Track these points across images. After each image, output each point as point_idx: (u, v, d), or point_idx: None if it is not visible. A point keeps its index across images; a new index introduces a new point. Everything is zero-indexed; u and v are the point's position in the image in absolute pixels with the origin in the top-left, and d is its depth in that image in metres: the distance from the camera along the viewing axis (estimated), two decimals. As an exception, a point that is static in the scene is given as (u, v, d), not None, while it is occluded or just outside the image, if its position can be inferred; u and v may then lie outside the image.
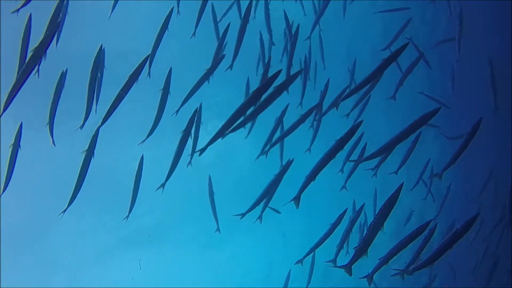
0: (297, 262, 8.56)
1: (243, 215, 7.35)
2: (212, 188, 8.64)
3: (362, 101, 9.25)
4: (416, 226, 6.05)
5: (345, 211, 7.92)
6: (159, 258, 15.31)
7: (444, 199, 11.08)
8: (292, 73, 6.67)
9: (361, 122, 5.86)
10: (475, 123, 6.44)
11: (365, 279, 6.30)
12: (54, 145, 6.32)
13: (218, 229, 8.88)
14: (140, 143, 6.88)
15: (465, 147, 6.69)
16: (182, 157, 6.54)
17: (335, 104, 7.40)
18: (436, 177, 7.42)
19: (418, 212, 13.11)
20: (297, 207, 6.17)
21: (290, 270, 10.87)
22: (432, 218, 6.23)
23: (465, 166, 13.39)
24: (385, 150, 6.28)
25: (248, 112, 5.74)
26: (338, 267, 6.03)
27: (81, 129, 6.17)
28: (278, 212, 9.53)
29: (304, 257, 8.39)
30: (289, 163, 6.77)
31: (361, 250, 5.60)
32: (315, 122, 8.82)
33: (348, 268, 5.80)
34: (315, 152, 7.97)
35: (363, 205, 8.19)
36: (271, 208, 9.25)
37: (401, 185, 5.40)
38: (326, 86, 8.34)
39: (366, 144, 8.25)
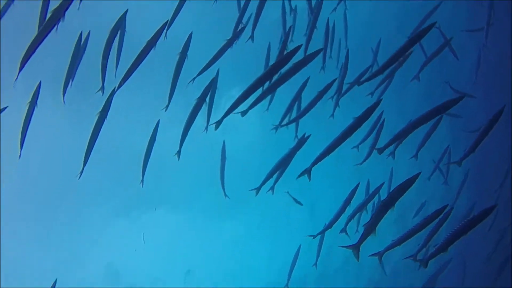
0: (310, 235, 8.71)
1: (258, 189, 7.29)
2: (225, 153, 8.50)
3: (385, 81, 9.08)
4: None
5: (357, 185, 7.86)
6: (169, 223, 15.35)
7: (461, 186, 10.87)
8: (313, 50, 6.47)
9: (380, 100, 5.70)
10: (497, 111, 6.22)
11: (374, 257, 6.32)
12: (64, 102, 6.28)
13: (225, 195, 8.75)
14: (163, 109, 6.75)
15: (485, 135, 6.46)
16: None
17: (358, 82, 7.21)
18: (455, 164, 7.30)
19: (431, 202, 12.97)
20: (309, 180, 6.08)
21: (300, 246, 10.94)
22: (449, 204, 6.00)
23: (483, 156, 13.23)
24: (405, 133, 6.12)
25: (265, 86, 5.67)
26: (346, 247, 5.90)
27: (102, 94, 6.13)
28: (300, 204, 9.58)
29: (320, 233, 8.42)
30: (306, 138, 6.63)
31: (370, 228, 5.59)
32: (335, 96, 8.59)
33: (356, 248, 5.72)
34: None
35: (382, 184, 8.10)
36: (293, 198, 9.29)
37: (419, 174, 5.36)
38: (346, 58, 8.07)
39: (384, 120, 8.14)
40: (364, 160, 8.87)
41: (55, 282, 7.45)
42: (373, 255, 6.46)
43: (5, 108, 5.60)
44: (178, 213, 15.54)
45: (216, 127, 5.95)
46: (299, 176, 6.14)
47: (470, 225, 5.44)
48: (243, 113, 5.91)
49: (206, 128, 6.66)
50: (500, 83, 12.37)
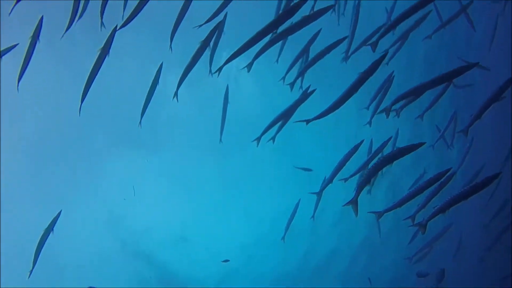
0: (313, 193, 8.83)
1: (258, 139, 7.12)
2: (228, 97, 8.24)
3: (399, 42, 8.77)
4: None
5: (362, 142, 7.65)
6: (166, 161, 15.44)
7: (466, 152, 10.71)
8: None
9: (385, 54, 5.43)
10: (506, 80, 5.97)
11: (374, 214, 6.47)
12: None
13: (220, 140, 8.60)
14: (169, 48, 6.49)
15: (491, 103, 6.20)
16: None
17: (371, 43, 6.88)
18: (461, 132, 7.10)
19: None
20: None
21: (299, 200, 10.92)
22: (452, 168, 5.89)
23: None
24: (414, 93, 5.93)
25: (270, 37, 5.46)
26: (345, 204, 5.83)
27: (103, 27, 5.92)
28: (310, 170, 9.47)
29: (324, 187, 8.33)
30: (310, 92, 6.41)
31: (365, 181, 5.62)
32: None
33: (354, 203, 5.66)
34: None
35: (389, 138, 7.93)
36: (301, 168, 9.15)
37: (423, 143, 5.36)
38: (357, 10, 7.67)
39: (393, 73, 7.93)
40: (371, 119, 8.69)
41: (59, 213, 7.32)
42: (372, 212, 6.58)
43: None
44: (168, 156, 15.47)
45: (218, 74, 5.83)
46: (301, 121, 6.03)
47: (472, 190, 5.35)
48: (249, 66, 5.84)
49: (210, 71, 6.41)
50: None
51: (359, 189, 5.63)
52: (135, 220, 14.78)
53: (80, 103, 5.89)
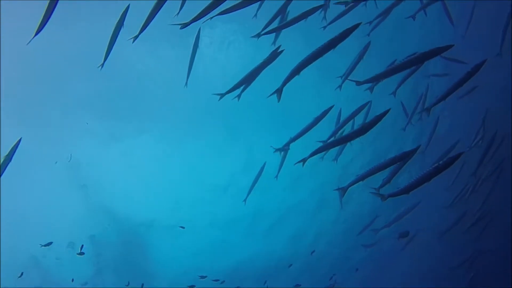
0: (276, 150, 8.97)
1: (222, 95, 6.88)
2: (199, 41, 7.81)
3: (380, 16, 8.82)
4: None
5: (331, 107, 7.69)
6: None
7: (432, 132, 10.92)
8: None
9: (358, 24, 5.42)
10: (478, 63, 6.17)
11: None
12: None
13: (186, 84, 8.37)
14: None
15: (459, 86, 6.44)
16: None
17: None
18: (425, 111, 7.30)
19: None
20: (279, 101, 6.02)
21: (265, 163, 11.04)
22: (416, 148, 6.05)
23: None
24: (391, 73, 5.99)
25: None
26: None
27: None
28: (288, 148, 9.58)
29: (287, 144, 8.55)
30: (279, 52, 6.20)
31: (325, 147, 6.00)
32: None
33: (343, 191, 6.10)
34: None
35: (361, 106, 8.14)
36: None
37: (388, 110, 5.54)
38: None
39: (369, 43, 7.96)
40: (341, 84, 8.47)
41: (19, 140, 6.62)
42: (337, 189, 6.71)
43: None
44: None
45: (183, 26, 5.73)
46: (269, 96, 6.08)
47: (434, 172, 5.52)
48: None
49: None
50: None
51: (314, 152, 5.89)
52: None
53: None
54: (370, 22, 8.93)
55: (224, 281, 13.88)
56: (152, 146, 15.31)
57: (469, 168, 13.21)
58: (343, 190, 6.52)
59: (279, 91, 6.00)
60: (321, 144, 6.47)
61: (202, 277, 13.61)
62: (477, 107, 13.93)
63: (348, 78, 6.63)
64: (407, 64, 5.77)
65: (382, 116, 5.48)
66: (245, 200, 11.96)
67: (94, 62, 6.94)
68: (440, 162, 5.46)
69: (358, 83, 6.08)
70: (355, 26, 5.32)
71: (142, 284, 14.07)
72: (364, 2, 7.12)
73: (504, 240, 22.15)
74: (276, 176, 10.45)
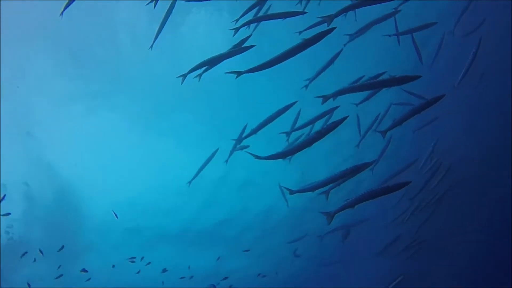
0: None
1: (184, 75, 6.83)
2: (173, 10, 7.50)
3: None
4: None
5: (293, 103, 7.74)
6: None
7: (384, 149, 11.19)
8: None
9: (333, 28, 5.49)
10: (437, 97, 6.28)
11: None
12: None
13: (151, 46, 8.19)
14: None
15: (414, 114, 6.61)
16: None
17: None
18: (380, 133, 7.50)
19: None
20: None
21: (217, 149, 11.04)
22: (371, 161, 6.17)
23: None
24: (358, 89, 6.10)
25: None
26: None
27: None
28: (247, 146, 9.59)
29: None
30: (246, 47, 6.17)
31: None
32: None
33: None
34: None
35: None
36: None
37: (346, 117, 5.64)
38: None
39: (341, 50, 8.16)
40: (308, 84, 8.81)
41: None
42: (286, 188, 6.76)
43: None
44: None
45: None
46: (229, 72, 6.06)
47: (381, 192, 5.76)
48: None
49: None
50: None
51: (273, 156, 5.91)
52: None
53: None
54: (350, 35, 8.97)
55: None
56: (110, 117, 14.82)
57: (413, 191, 13.72)
58: (292, 192, 6.54)
59: (240, 73, 5.98)
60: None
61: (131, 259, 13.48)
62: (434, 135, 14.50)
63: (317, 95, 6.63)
64: (374, 85, 5.90)
65: (339, 122, 5.56)
66: (189, 183, 11.94)
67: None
68: (390, 185, 5.67)
69: (325, 98, 6.11)
70: (330, 30, 5.38)
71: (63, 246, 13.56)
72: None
73: (429, 266, 23.41)
74: (226, 161, 10.41)
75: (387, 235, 19.48)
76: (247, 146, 9.33)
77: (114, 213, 13.52)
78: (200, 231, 17.98)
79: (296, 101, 7.60)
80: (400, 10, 8.44)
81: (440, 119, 13.17)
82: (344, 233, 13.25)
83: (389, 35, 9.33)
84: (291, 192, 6.52)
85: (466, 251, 23.31)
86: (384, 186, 5.78)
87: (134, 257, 14.19)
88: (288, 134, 9.23)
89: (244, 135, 8.70)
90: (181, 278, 16.33)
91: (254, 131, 8.14)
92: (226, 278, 16.95)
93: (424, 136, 14.40)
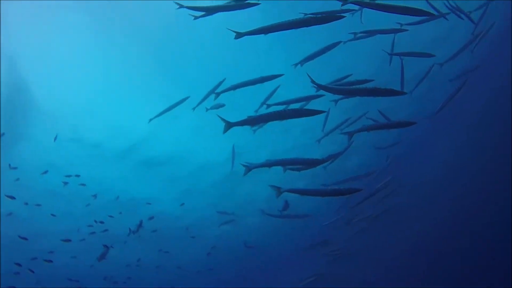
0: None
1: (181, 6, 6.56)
2: None
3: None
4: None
5: (281, 75, 7.62)
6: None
7: (346, 148, 11.34)
8: None
9: (344, 15, 5.39)
10: (408, 122, 6.63)
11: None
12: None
13: None
14: None
15: (382, 128, 7.05)
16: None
17: None
18: (346, 134, 7.54)
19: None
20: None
21: (188, 97, 10.84)
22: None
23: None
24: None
25: None
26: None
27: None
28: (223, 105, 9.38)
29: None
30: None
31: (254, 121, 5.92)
32: None
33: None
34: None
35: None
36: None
37: (322, 111, 5.69)
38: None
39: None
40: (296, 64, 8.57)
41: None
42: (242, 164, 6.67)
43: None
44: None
45: None
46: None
47: (332, 193, 5.99)
48: None
49: None
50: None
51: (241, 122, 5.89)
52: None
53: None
54: (355, 34, 8.83)
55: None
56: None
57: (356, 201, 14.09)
58: (248, 168, 6.46)
59: (241, 35, 5.74)
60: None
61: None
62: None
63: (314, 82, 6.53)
64: (358, 92, 5.89)
65: (313, 112, 5.59)
66: (150, 120, 11.74)
67: None
68: (342, 188, 5.76)
69: (318, 86, 6.04)
70: (341, 16, 5.30)
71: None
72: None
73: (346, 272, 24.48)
74: (194, 108, 10.22)
75: (319, 235, 20.22)
76: (223, 105, 9.20)
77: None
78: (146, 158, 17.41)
79: (283, 74, 7.43)
80: (407, 30, 8.39)
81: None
82: (284, 204, 13.41)
83: (386, 51, 9.36)
84: (247, 167, 6.46)
85: (386, 267, 24.66)
86: (335, 188, 6.02)
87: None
88: (263, 105, 9.11)
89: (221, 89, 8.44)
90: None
91: (232, 87, 7.96)
92: (152, 217, 16.76)
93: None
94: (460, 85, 10.69)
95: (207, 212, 18.63)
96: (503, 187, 17.89)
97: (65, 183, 14.03)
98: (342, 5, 5.56)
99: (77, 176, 14.17)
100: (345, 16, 5.30)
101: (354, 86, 6.16)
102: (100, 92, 13.86)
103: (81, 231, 16.65)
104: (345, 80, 7.52)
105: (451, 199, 21.88)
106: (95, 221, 14.95)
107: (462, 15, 9.70)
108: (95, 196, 15.19)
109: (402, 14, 5.73)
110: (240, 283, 24.64)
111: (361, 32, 8.39)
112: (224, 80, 8.59)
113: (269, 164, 6.28)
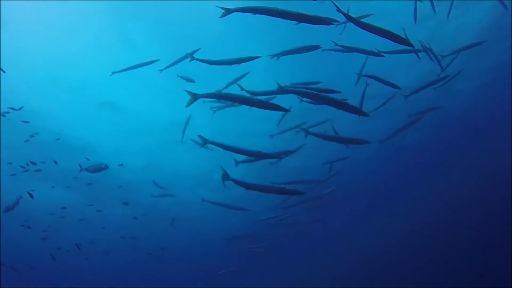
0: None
1: None
2: None
3: None
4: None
5: (258, 57, 7.43)
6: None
7: (299, 147, 11.50)
8: None
9: (334, 21, 5.49)
10: (361, 140, 7.27)
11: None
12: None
13: None
14: None
15: (342, 142, 7.60)
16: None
17: None
18: (304, 131, 7.90)
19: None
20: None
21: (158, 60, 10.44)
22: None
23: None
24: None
25: None
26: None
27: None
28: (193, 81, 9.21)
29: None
30: None
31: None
32: None
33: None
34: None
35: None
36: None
37: (288, 109, 5.90)
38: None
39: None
40: (273, 55, 8.67)
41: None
42: (195, 142, 6.64)
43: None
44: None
45: None
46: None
47: (278, 191, 6.14)
48: None
49: None
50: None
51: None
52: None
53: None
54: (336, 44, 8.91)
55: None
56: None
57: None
58: (204, 142, 6.49)
59: (229, 11, 5.77)
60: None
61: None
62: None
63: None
64: (322, 99, 6.12)
65: (279, 107, 5.76)
66: (113, 73, 11.02)
67: None
68: (288, 188, 5.91)
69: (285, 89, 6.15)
70: (332, 21, 5.40)
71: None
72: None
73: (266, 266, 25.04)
74: (161, 70, 10.05)
75: (243, 228, 20.57)
76: (193, 81, 9.07)
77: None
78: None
79: (260, 56, 7.29)
80: (384, 56, 8.60)
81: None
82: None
83: (356, 73, 9.65)
84: (204, 140, 6.48)
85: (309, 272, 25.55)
86: (280, 187, 6.11)
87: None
88: (228, 86, 9.14)
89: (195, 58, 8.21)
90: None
91: (207, 61, 7.84)
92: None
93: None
94: (413, 120, 11.13)
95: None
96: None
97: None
98: (336, 10, 5.68)
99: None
100: (333, 24, 5.40)
101: (323, 93, 6.26)
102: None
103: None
104: (312, 86, 7.56)
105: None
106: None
107: (433, 57, 10.16)
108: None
109: (383, 37, 5.89)
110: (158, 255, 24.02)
111: (340, 45, 8.55)
112: (198, 49, 8.36)
113: (225, 146, 6.31)
